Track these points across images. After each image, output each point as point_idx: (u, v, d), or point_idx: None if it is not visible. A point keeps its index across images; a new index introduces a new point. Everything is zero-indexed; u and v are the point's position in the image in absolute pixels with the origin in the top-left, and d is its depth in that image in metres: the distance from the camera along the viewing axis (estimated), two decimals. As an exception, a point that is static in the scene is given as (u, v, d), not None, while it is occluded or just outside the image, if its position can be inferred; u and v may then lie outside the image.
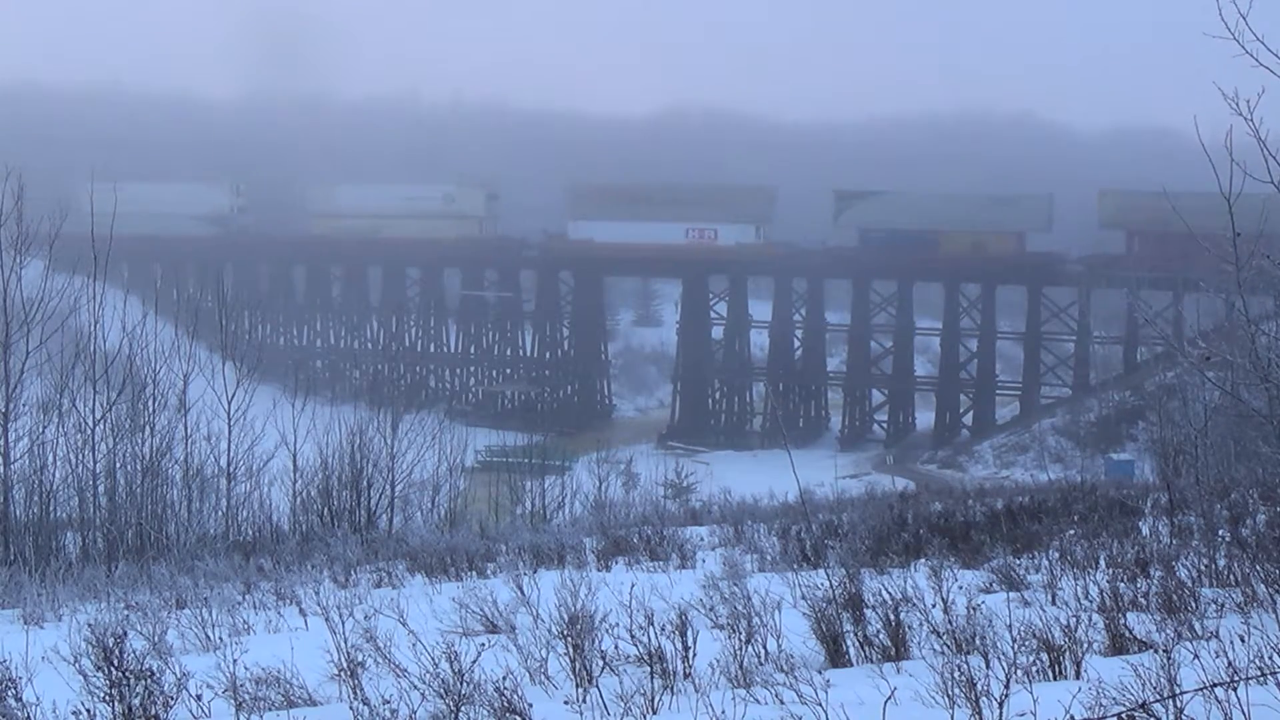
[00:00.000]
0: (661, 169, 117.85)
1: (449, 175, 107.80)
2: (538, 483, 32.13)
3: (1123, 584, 10.66)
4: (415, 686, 8.00)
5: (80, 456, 21.92)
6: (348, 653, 9.10)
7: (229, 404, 24.08)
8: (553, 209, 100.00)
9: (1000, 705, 6.65)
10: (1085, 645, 8.24)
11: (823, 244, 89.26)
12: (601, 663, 8.66)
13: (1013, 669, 7.13)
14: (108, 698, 7.86)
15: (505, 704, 7.29)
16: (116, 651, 7.97)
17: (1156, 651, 7.36)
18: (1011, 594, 11.46)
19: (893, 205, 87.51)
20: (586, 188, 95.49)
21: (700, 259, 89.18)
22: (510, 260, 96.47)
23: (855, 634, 9.23)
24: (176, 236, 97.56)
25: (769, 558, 16.27)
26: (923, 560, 14.06)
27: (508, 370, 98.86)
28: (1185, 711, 6.25)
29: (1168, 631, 8.81)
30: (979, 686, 6.81)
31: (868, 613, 9.33)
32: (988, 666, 7.38)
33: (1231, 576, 10.80)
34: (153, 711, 7.82)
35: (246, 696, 8.43)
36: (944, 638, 8.77)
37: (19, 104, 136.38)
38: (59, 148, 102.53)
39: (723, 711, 6.90)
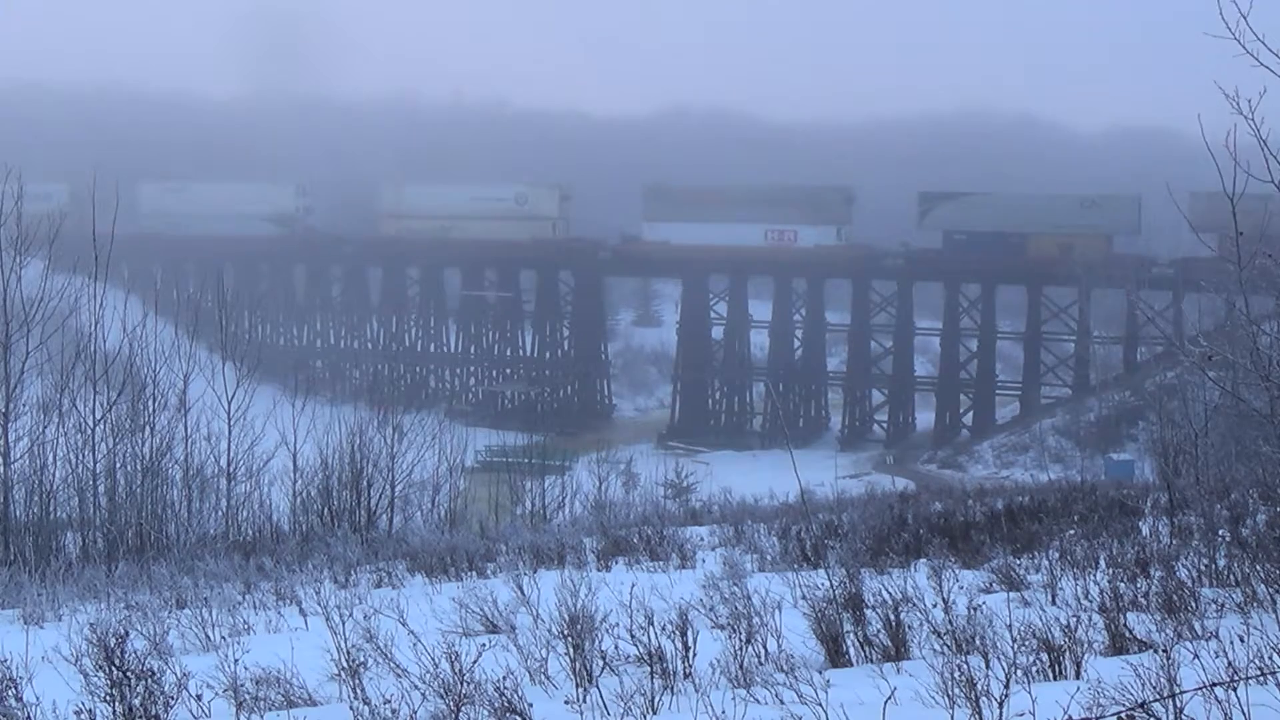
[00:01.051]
0: (662, 169, 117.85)
1: (450, 176, 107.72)
2: (538, 483, 32.12)
3: (1123, 584, 10.66)
4: (415, 686, 8.00)
5: (80, 456, 21.92)
6: (348, 653, 9.10)
7: (229, 404, 24.09)
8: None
9: (1000, 705, 6.65)
10: (1085, 645, 8.24)
11: (905, 246, 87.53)
12: (601, 663, 8.67)
13: (1013, 669, 7.13)
14: (108, 698, 7.86)
15: (505, 704, 7.29)
16: (118, 651, 7.98)
17: (1156, 651, 7.36)
18: (1011, 594, 11.46)
19: (978, 207, 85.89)
20: (663, 189, 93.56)
21: (780, 261, 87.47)
22: (585, 263, 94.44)
23: (855, 634, 9.23)
24: (241, 237, 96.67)
25: (769, 558, 16.27)
26: (923, 560, 14.06)
27: (508, 370, 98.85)
28: (1185, 711, 6.25)
29: (1168, 631, 8.81)
30: (979, 686, 6.82)
31: (868, 613, 9.33)
32: (988, 666, 7.38)
33: (1231, 576, 10.80)
34: (153, 711, 7.82)
35: (247, 696, 8.43)
36: (944, 638, 8.78)
37: (19, 104, 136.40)
38: (60, 148, 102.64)
39: (723, 711, 6.90)
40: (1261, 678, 6.50)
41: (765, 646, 9.06)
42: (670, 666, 8.48)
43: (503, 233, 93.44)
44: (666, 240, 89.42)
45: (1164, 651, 6.82)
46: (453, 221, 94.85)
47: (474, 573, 16.58)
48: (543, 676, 8.85)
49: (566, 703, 7.86)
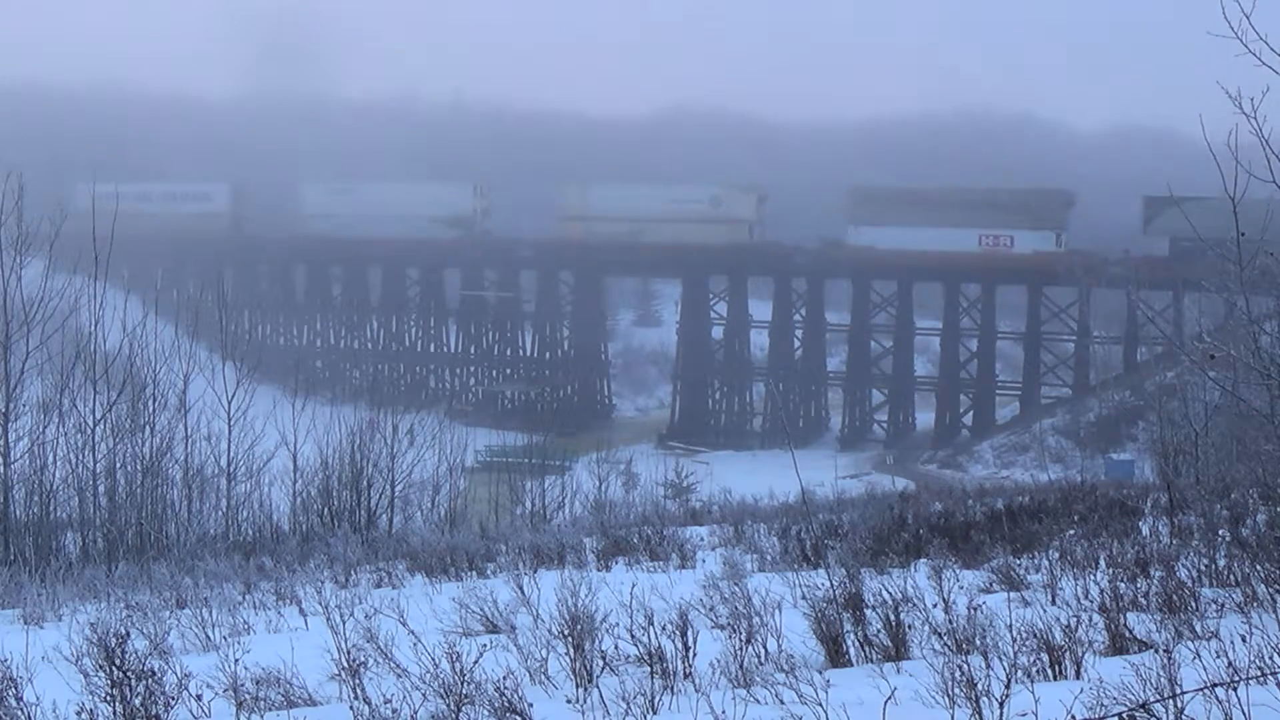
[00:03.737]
0: (663, 169, 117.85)
1: (453, 175, 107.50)
2: (538, 483, 32.12)
3: (1123, 584, 10.65)
4: (416, 687, 8.00)
5: (80, 456, 21.92)
6: (348, 653, 9.10)
7: (229, 404, 24.11)
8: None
9: (1001, 705, 6.65)
10: (1085, 645, 8.24)
11: (1125, 253, 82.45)
12: (602, 663, 8.66)
13: (1013, 669, 7.13)
14: (109, 698, 7.86)
15: (506, 704, 7.29)
16: (118, 651, 7.97)
17: (1157, 651, 7.36)
18: (1012, 594, 11.45)
19: (1208, 212, 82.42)
20: (868, 191, 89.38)
21: (994, 267, 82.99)
22: (780, 267, 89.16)
23: (855, 634, 9.22)
24: (412, 239, 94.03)
25: (769, 558, 16.26)
26: (923, 560, 14.06)
27: (508, 370, 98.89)
28: (1185, 711, 6.25)
29: (1168, 631, 8.81)
30: (979, 686, 6.81)
31: (868, 613, 9.32)
32: (988, 666, 7.38)
33: (1231, 576, 10.80)
34: (154, 711, 7.82)
35: (247, 696, 8.43)
36: (944, 638, 8.77)
37: (19, 103, 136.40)
38: (60, 147, 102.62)
39: (723, 711, 6.90)
40: (1262, 678, 6.49)
41: (765, 646, 9.06)
42: (670, 666, 8.48)
43: (696, 236, 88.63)
44: (873, 244, 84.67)
45: (1165, 651, 6.82)
46: (642, 224, 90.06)
47: (474, 573, 16.57)
48: (543, 676, 8.85)
49: (568, 702, 7.85)
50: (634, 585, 9.90)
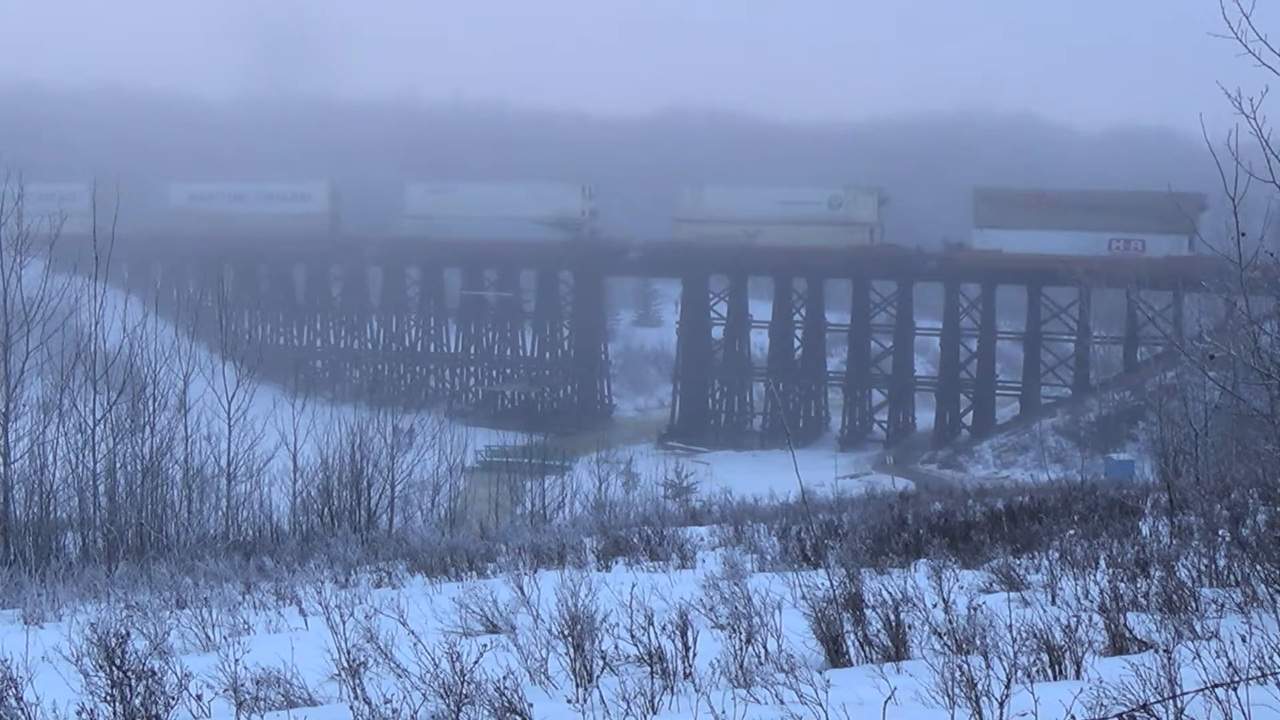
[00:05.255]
0: (663, 169, 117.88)
1: (451, 175, 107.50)
2: (538, 483, 32.12)
3: (1123, 584, 10.65)
4: (416, 687, 8.00)
5: (80, 456, 21.92)
6: (348, 653, 9.10)
7: (229, 404, 24.10)
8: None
9: (1001, 705, 6.64)
10: (1085, 645, 8.24)
11: (1270, 255, 79.42)
12: (602, 663, 8.66)
13: (1013, 669, 7.13)
14: (109, 698, 7.85)
15: (506, 704, 7.29)
16: (118, 651, 7.97)
17: (1157, 651, 7.36)
18: (1011, 594, 11.44)
19: None
20: (996, 193, 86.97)
21: (1126, 273, 78.35)
22: (905, 271, 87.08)
23: (855, 634, 9.22)
24: (516, 241, 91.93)
25: (769, 558, 16.24)
26: (923, 560, 14.06)
27: (508, 370, 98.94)
28: (1186, 711, 6.25)
29: (1168, 631, 8.80)
30: (979, 686, 6.81)
31: (868, 613, 9.32)
32: (988, 666, 7.38)
33: (1231, 576, 10.79)
34: (154, 712, 7.82)
35: (247, 696, 8.42)
36: (944, 638, 8.77)
37: (19, 104, 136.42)
38: (58, 148, 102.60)
39: (723, 711, 6.90)
40: (1262, 678, 6.49)
41: (765, 646, 9.05)
42: (670, 666, 8.48)
43: (814, 239, 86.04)
44: (999, 248, 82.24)
45: (1165, 651, 6.82)
46: (758, 226, 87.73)
47: (474, 573, 16.56)
48: (543, 676, 8.85)
49: (568, 702, 7.85)
50: (634, 585, 9.90)
